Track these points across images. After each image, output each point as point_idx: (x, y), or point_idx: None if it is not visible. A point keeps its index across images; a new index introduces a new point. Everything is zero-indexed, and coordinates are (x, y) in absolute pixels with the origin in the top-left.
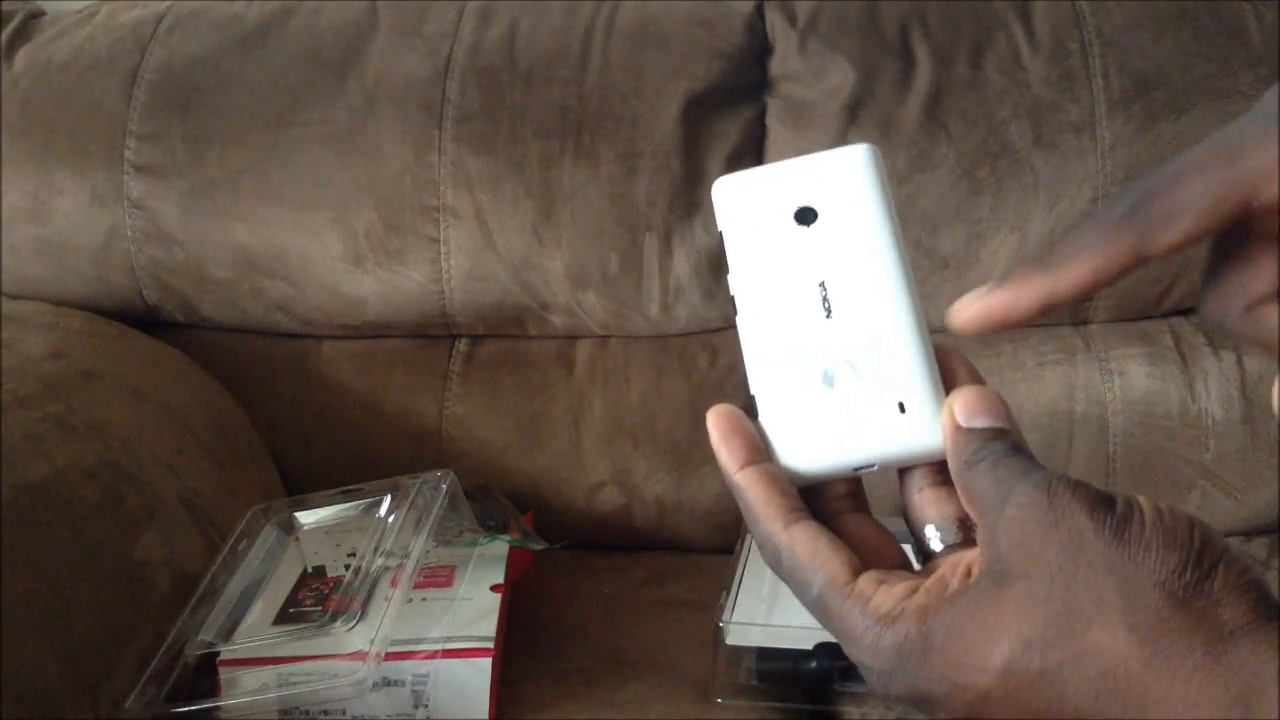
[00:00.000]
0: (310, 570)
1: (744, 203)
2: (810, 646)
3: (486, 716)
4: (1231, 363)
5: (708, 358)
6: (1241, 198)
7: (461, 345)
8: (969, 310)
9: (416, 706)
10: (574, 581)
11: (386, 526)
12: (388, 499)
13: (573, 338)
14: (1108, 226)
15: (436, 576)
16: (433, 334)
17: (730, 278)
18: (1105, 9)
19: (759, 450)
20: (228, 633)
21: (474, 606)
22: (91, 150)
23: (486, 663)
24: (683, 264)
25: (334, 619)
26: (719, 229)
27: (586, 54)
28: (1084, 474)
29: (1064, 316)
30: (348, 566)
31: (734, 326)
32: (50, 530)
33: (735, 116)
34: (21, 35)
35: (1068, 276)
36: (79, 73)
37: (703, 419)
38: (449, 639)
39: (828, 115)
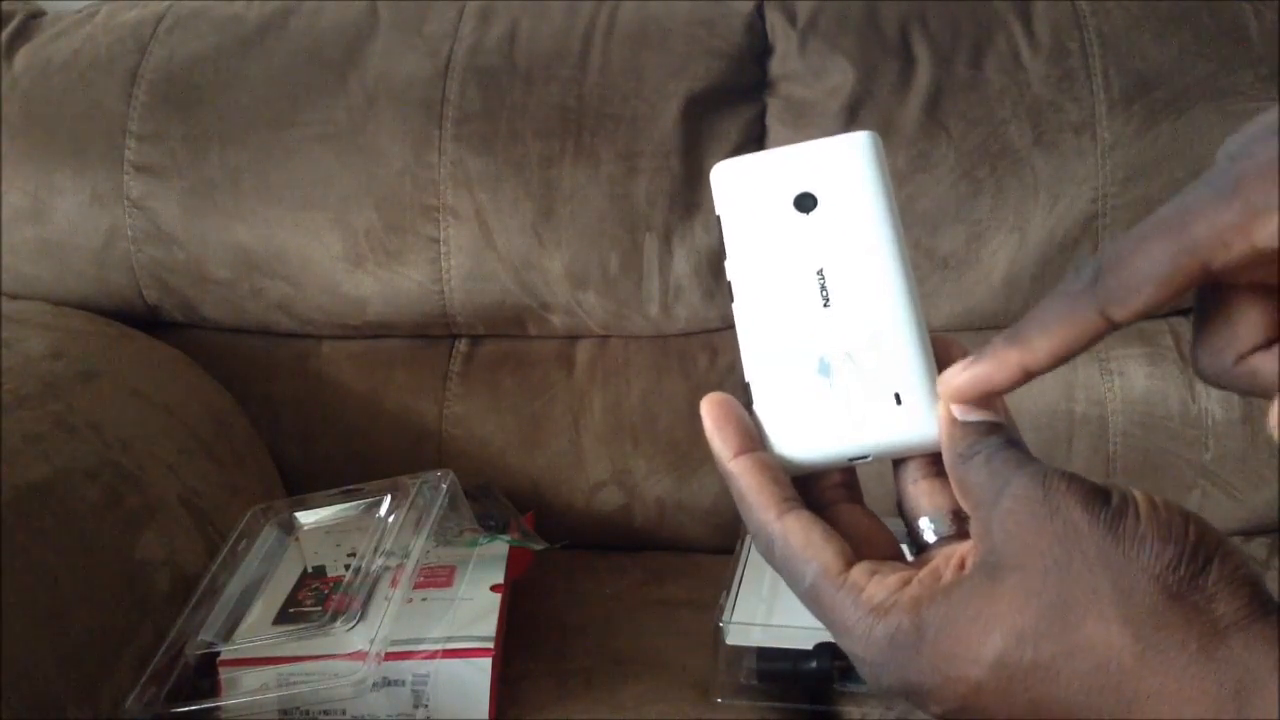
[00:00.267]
0: (310, 570)
1: (743, 188)
2: (810, 646)
3: (486, 716)
4: None
5: (708, 358)
6: (1196, 263)
7: (461, 345)
8: (956, 382)
9: (416, 706)
10: (574, 581)
11: (386, 526)
12: (388, 499)
13: (573, 338)
14: (1071, 299)
15: (436, 576)
16: (433, 334)
17: (727, 263)
18: (1105, 9)
19: (752, 439)
20: (228, 633)
21: (474, 606)
22: (91, 150)
23: (486, 663)
24: (683, 264)
25: (334, 619)
26: (716, 213)
27: (586, 54)
28: (1084, 474)
29: None
30: (348, 566)
31: (734, 327)
32: (50, 530)
33: (735, 116)
34: (21, 35)
35: (1040, 350)
36: (79, 73)
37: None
38: (449, 639)
39: (828, 115)
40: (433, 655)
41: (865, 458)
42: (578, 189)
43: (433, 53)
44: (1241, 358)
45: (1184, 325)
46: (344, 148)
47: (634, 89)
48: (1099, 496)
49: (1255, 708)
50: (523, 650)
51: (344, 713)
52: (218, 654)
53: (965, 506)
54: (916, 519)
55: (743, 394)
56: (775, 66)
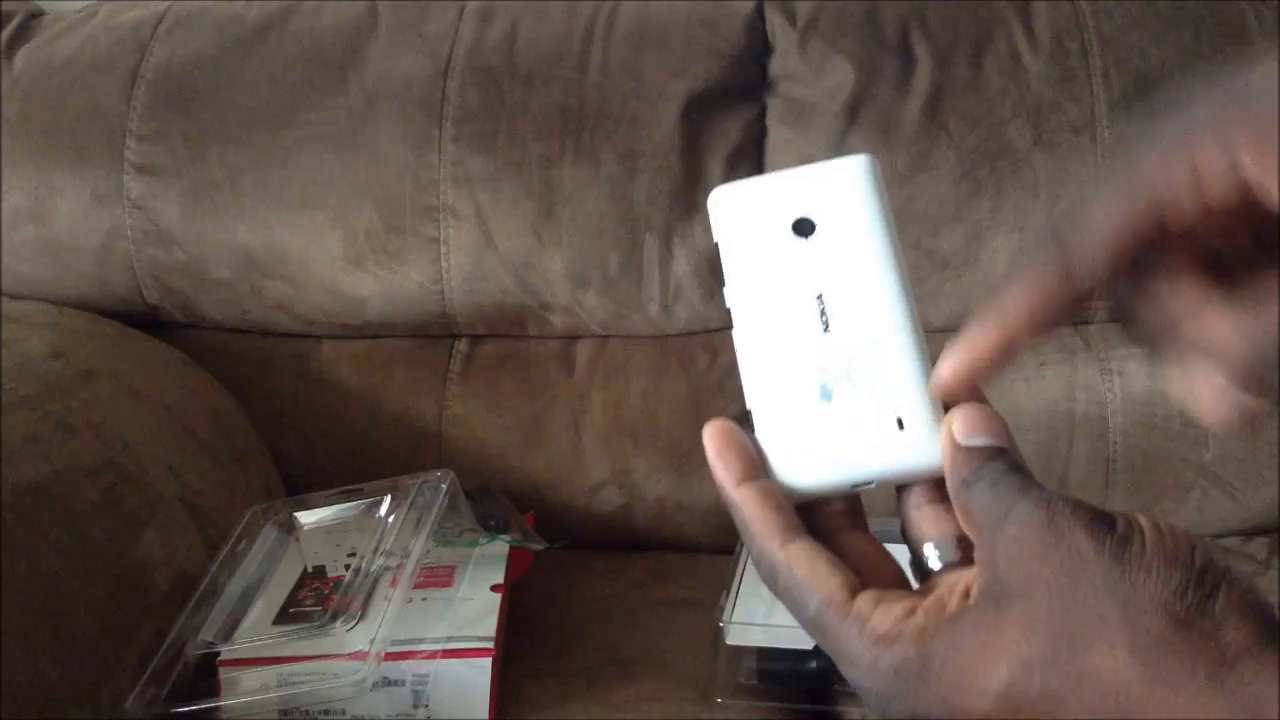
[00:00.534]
0: (310, 570)
1: (740, 213)
2: (810, 646)
3: (486, 716)
4: None
5: (708, 358)
6: (1145, 214)
7: (461, 345)
8: (943, 374)
9: (416, 706)
10: (574, 581)
11: (386, 526)
12: (388, 499)
13: (573, 338)
14: (1036, 256)
15: (436, 576)
16: (433, 334)
17: (726, 290)
18: (1105, 9)
19: (755, 466)
20: (228, 633)
21: (474, 606)
22: (91, 150)
23: (486, 663)
24: (683, 264)
25: (334, 619)
26: (715, 240)
27: (586, 54)
28: (1084, 474)
29: None
30: (348, 566)
31: (733, 327)
32: (50, 530)
33: (735, 116)
34: (21, 35)
35: (1013, 315)
36: (79, 73)
37: (703, 419)
38: (449, 639)
39: (828, 115)
40: (433, 655)
41: (869, 484)
42: (578, 189)
43: (433, 53)
44: (1171, 326)
45: None
46: (344, 148)
47: (634, 89)
48: (1104, 523)
49: None
50: (523, 650)
51: (344, 713)
52: (218, 654)
53: (969, 533)
54: (921, 545)
55: (745, 420)
56: (775, 66)
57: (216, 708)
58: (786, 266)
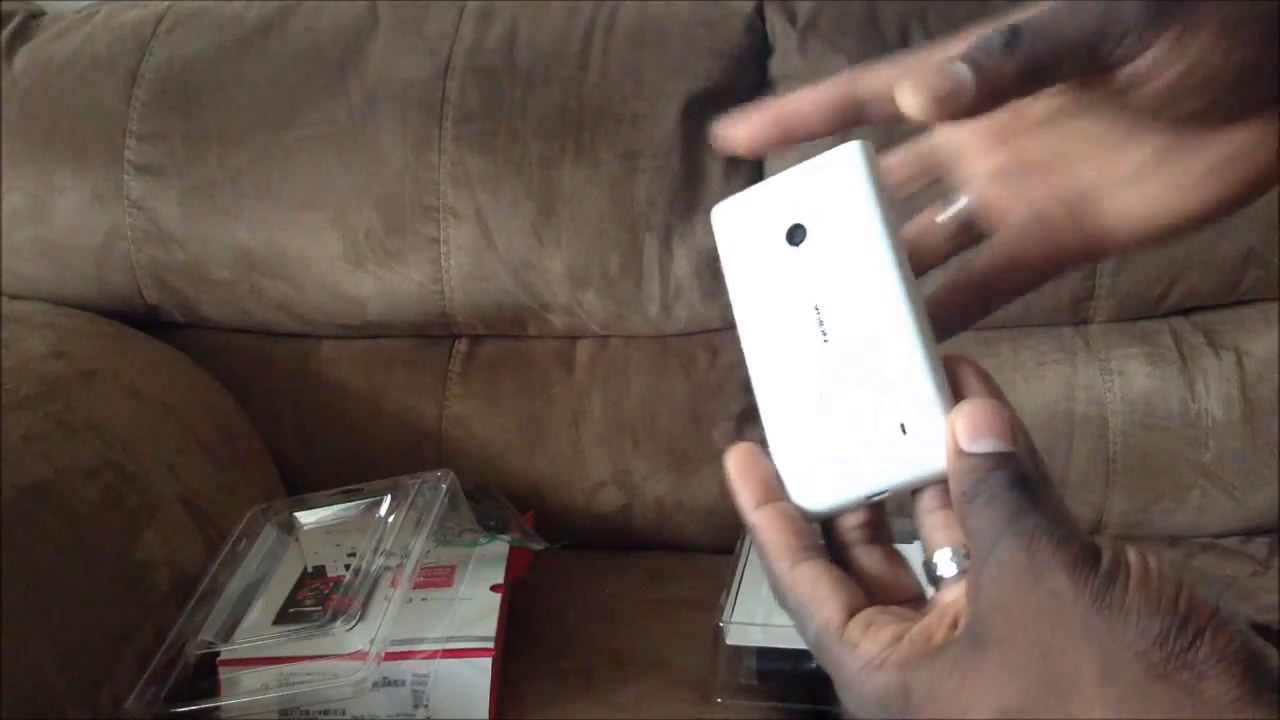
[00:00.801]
0: (310, 570)
1: (739, 227)
2: None
3: (486, 716)
4: (1231, 363)
5: (708, 358)
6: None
7: (461, 345)
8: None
9: (416, 706)
10: (574, 581)
11: (386, 526)
12: (388, 499)
13: (573, 338)
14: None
15: (436, 576)
16: (433, 334)
17: (733, 308)
18: None
19: (772, 489)
20: (228, 633)
21: (474, 606)
22: (91, 150)
23: (486, 663)
24: (683, 264)
25: (334, 619)
26: (720, 256)
27: (586, 54)
28: (1084, 474)
29: (1064, 317)
30: (348, 566)
31: (734, 326)
32: (50, 530)
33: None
34: (21, 35)
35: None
36: (79, 73)
37: (703, 419)
38: (449, 639)
39: None
40: (433, 655)
41: (881, 494)
42: (578, 189)
43: (433, 53)
44: None
45: (1184, 325)
46: (344, 148)
47: (634, 89)
48: (1087, 561)
49: None
50: (523, 650)
51: (344, 713)
52: (218, 654)
53: (969, 549)
54: (932, 553)
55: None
56: (775, 66)
57: (216, 708)
58: (783, 278)
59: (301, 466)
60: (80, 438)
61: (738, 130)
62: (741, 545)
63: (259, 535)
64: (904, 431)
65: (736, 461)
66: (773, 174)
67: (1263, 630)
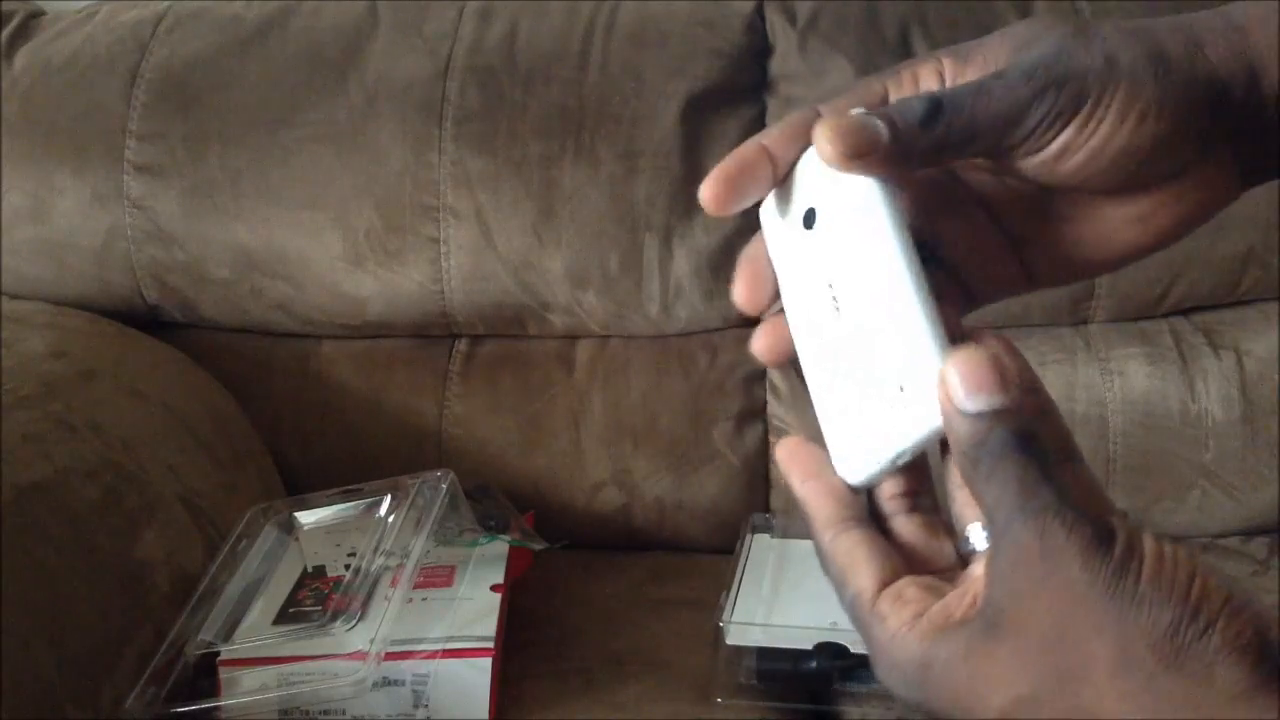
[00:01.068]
0: (310, 570)
1: (772, 218)
2: (810, 646)
3: (486, 716)
4: (1231, 363)
5: (708, 358)
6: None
7: (461, 345)
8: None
9: (416, 706)
10: (574, 581)
11: (386, 526)
12: (388, 499)
13: (573, 338)
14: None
15: (436, 576)
16: (433, 334)
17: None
18: (1105, 9)
19: (820, 466)
20: (228, 633)
21: (474, 606)
22: (91, 150)
23: (486, 663)
24: (683, 264)
25: (334, 619)
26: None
27: (586, 54)
28: None
29: (1064, 317)
30: (348, 566)
31: (734, 326)
32: (50, 530)
33: (735, 116)
34: (21, 35)
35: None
36: (79, 73)
37: (703, 419)
38: (449, 639)
39: None
40: (433, 655)
41: (899, 459)
42: (578, 189)
43: (433, 53)
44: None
45: (1184, 325)
46: (344, 148)
47: (634, 89)
48: (1101, 546)
49: None
50: (523, 650)
51: (344, 713)
52: (218, 654)
53: (984, 521)
54: (962, 528)
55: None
56: (775, 66)
57: (216, 708)
58: (804, 262)
59: (301, 466)
60: (80, 438)
61: (703, 195)
62: (741, 545)
63: (259, 535)
64: (902, 390)
65: (786, 448)
66: None
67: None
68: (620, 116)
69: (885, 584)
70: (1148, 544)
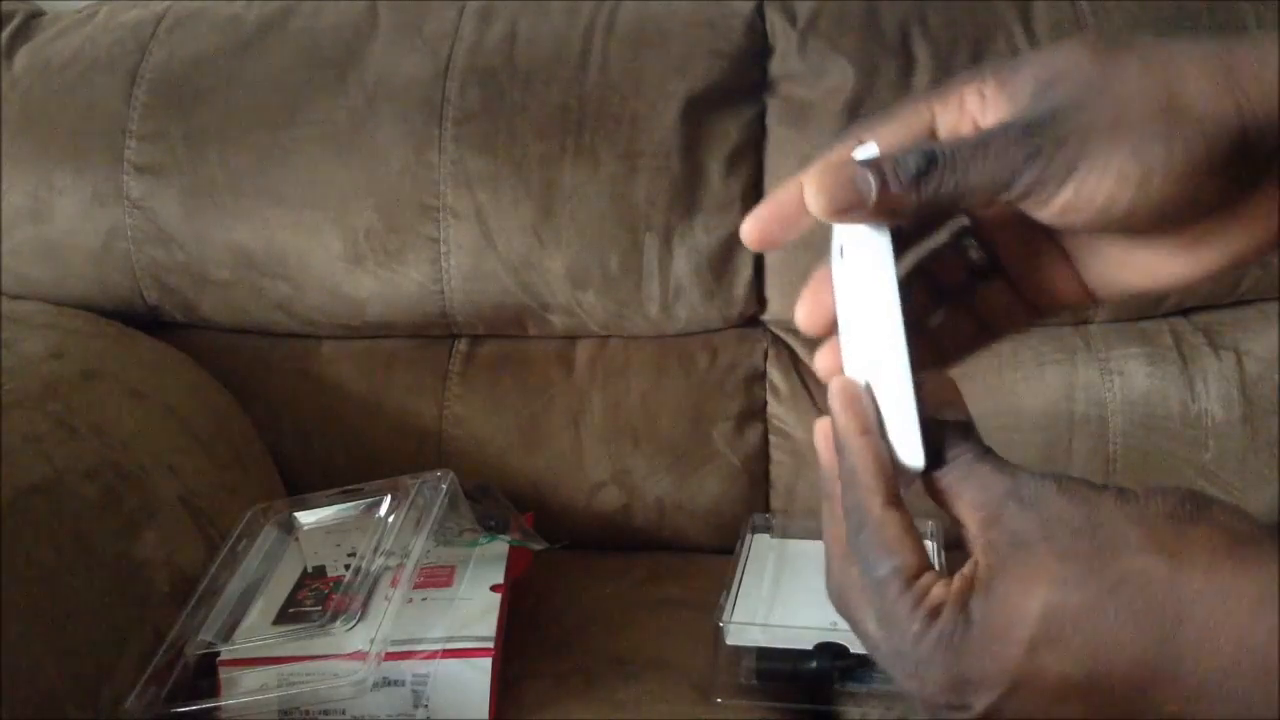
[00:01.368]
0: (310, 570)
1: (833, 243)
2: (810, 646)
3: (486, 716)
4: (1231, 363)
5: (708, 358)
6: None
7: (461, 345)
8: (748, 224)
9: (416, 706)
10: (574, 581)
11: (386, 526)
12: (388, 499)
13: (573, 338)
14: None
15: (436, 576)
16: (433, 334)
17: None
18: (1105, 9)
19: (874, 421)
20: (228, 633)
21: (474, 606)
22: (91, 150)
23: (486, 663)
24: (683, 264)
25: (334, 619)
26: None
27: (586, 54)
28: (1084, 474)
29: (1064, 316)
30: (348, 566)
31: (734, 326)
32: (50, 530)
33: (735, 116)
34: (21, 35)
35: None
36: (79, 73)
37: (703, 419)
38: (449, 639)
39: (828, 115)
40: (433, 655)
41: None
42: (578, 189)
43: (433, 53)
44: None
45: (1184, 325)
46: (344, 148)
47: (634, 89)
48: (1097, 484)
49: None
50: (523, 650)
51: (344, 713)
52: (218, 654)
53: (962, 514)
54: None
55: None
56: (775, 66)
57: (216, 708)
58: (842, 286)
59: (301, 466)
60: (80, 438)
61: (744, 233)
62: (741, 545)
63: (259, 535)
64: (895, 430)
65: (842, 388)
66: (772, 174)
67: None
68: (620, 116)
69: (924, 569)
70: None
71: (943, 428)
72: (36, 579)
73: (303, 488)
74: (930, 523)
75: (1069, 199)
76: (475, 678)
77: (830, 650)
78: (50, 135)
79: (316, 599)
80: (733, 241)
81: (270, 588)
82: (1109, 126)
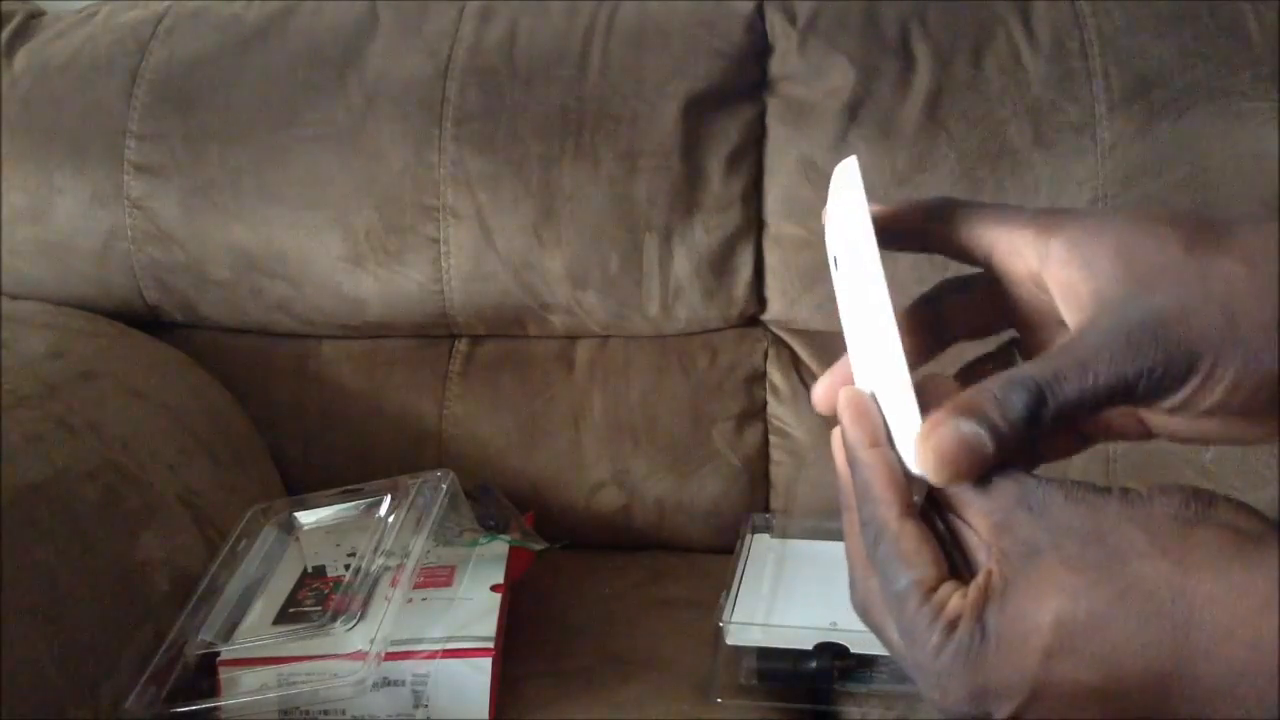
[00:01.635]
0: (310, 570)
1: (827, 257)
2: (810, 646)
3: (486, 716)
4: None
5: (708, 358)
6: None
7: (461, 345)
8: (818, 395)
9: (416, 706)
10: (574, 581)
11: (386, 526)
12: (388, 499)
13: (573, 338)
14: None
15: (436, 576)
16: (433, 334)
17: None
18: (1105, 9)
19: (882, 432)
20: (228, 633)
21: (474, 606)
22: (91, 150)
23: (486, 663)
24: (683, 264)
25: (334, 619)
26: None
27: (586, 54)
28: (1084, 474)
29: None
30: (348, 566)
31: (734, 326)
32: (50, 530)
33: (735, 116)
34: (21, 35)
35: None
36: (79, 73)
37: (703, 419)
38: (449, 639)
39: (828, 115)
40: (433, 655)
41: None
42: (578, 189)
43: (433, 53)
44: None
45: None
46: (344, 148)
47: (634, 89)
48: (1102, 487)
49: None
50: (523, 650)
51: (344, 713)
52: (218, 654)
53: (972, 521)
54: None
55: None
56: (775, 66)
57: (216, 708)
58: (841, 295)
59: (301, 466)
60: (80, 438)
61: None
62: (741, 545)
63: (259, 535)
64: (900, 438)
65: (853, 399)
66: (772, 174)
67: None
68: (620, 116)
69: (942, 580)
70: (1134, 483)
71: None
72: (36, 579)
73: (303, 488)
74: None
75: (1174, 410)
76: (475, 678)
77: (830, 650)
78: (50, 135)
79: (316, 599)
80: (733, 241)
81: (270, 588)
82: (1220, 339)
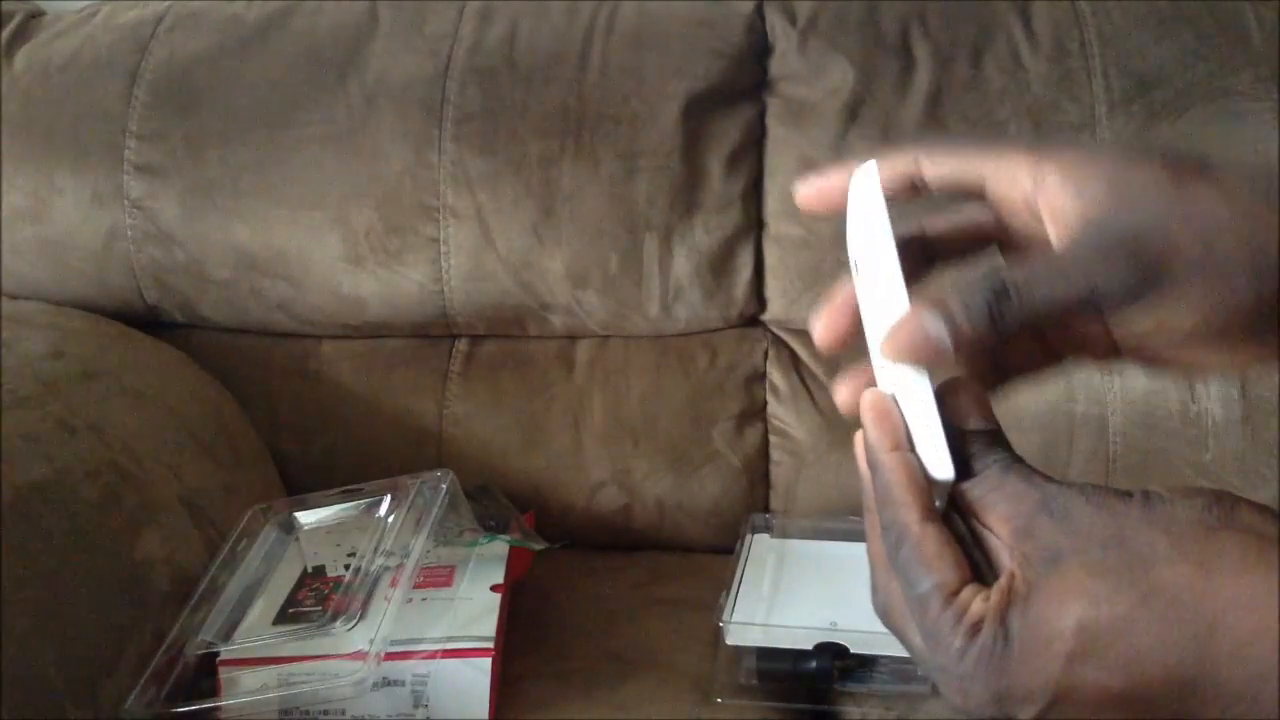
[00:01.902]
0: (310, 570)
1: (849, 260)
2: (810, 646)
3: (486, 716)
4: None
5: (708, 358)
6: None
7: (461, 345)
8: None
9: (416, 706)
10: (574, 581)
11: (386, 526)
12: (388, 499)
13: (573, 338)
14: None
15: (436, 576)
16: (433, 334)
17: None
18: (1105, 9)
19: (904, 436)
20: (228, 633)
21: (474, 606)
22: (91, 150)
23: (486, 663)
24: (683, 264)
25: (334, 619)
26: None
27: (586, 54)
28: (1084, 474)
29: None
30: (348, 566)
31: (733, 326)
32: (50, 530)
33: (735, 116)
34: (21, 35)
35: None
36: (79, 73)
37: (703, 419)
38: (449, 639)
39: (828, 115)
40: (433, 655)
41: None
42: (578, 189)
43: (433, 53)
44: None
45: None
46: (344, 148)
47: (634, 89)
48: (1124, 491)
49: None
50: (523, 650)
51: (344, 713)
52: (218, 654)
53: (993, 525)
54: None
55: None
56: (775, 66)
57: (216, 708)
58: (863, 302)
59: (301, 466)
60: (80, 438)
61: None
62: (741, 545)
63: (259, 535)
64: (921, 445)
65: (874, 405)
66: (772, 173)
67: None
68: (620, 116)
69: (965, 583)
70: (1155, 485)
71: (970, 438)
72: (36, 579)
73: (303, 488)
74: None
75: (1146, 324)
76: (475, 678)
77: (830, 650)
78: (50, 135)
79: (316, 599)
80: (732, 241)
81: (270, 588)
82: (1197, 257)
